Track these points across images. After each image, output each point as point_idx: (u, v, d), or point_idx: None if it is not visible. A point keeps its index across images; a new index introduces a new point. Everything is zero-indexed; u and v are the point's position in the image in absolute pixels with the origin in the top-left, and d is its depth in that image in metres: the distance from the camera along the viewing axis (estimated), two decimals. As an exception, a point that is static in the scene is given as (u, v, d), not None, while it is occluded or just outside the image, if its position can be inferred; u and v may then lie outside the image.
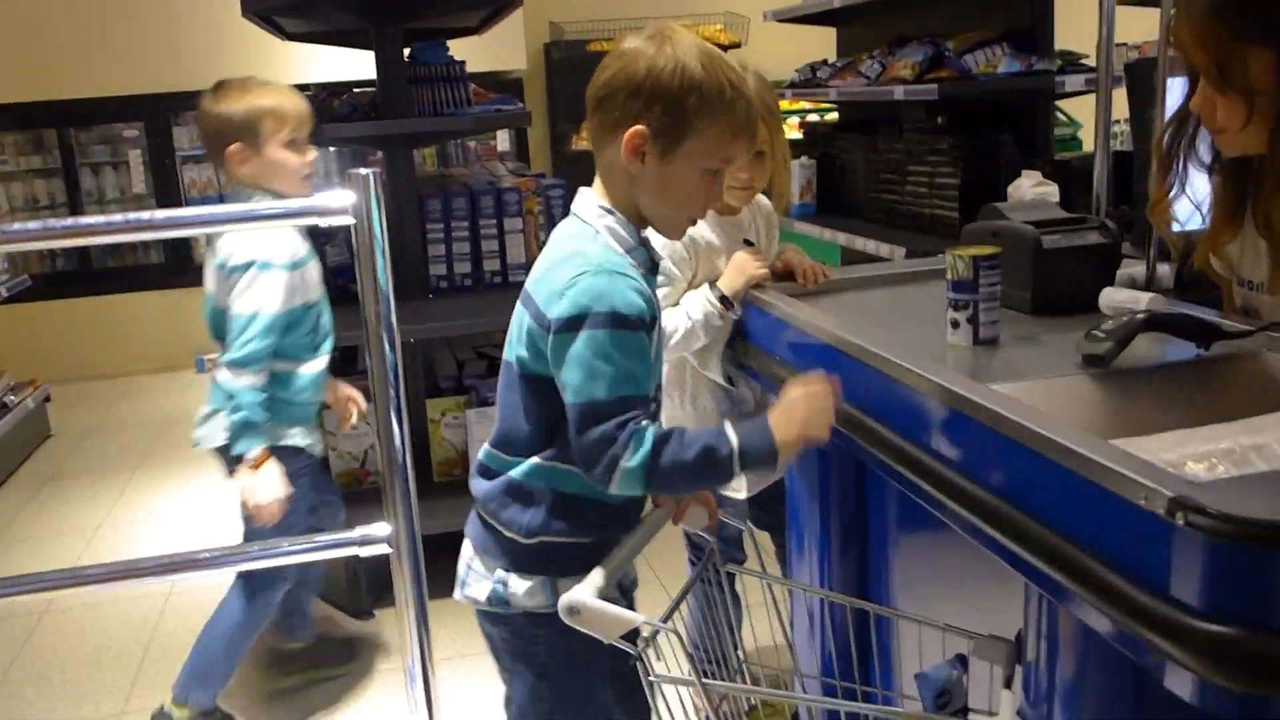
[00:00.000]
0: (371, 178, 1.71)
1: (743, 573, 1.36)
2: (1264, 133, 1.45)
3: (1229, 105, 1.45)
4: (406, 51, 3.50)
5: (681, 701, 1.45)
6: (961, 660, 1.34)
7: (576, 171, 5.98)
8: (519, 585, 1.52)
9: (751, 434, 1.39)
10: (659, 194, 1.46)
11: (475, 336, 3.91)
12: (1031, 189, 2.95)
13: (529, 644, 1.56)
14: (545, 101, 7.14)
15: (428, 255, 3.45)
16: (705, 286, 2.01)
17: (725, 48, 6.50)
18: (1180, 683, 0.95)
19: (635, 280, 1.42)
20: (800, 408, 1.41)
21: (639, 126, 1.41)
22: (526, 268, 3.46)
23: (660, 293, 2.01)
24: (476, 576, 1.56)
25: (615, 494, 1.41)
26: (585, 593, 1.30)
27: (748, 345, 1.97)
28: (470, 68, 3.63)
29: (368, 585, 3.23)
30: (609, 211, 1.48)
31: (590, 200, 1.50)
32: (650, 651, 1.34)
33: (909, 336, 1.64)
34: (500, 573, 1.53)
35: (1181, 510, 0.92)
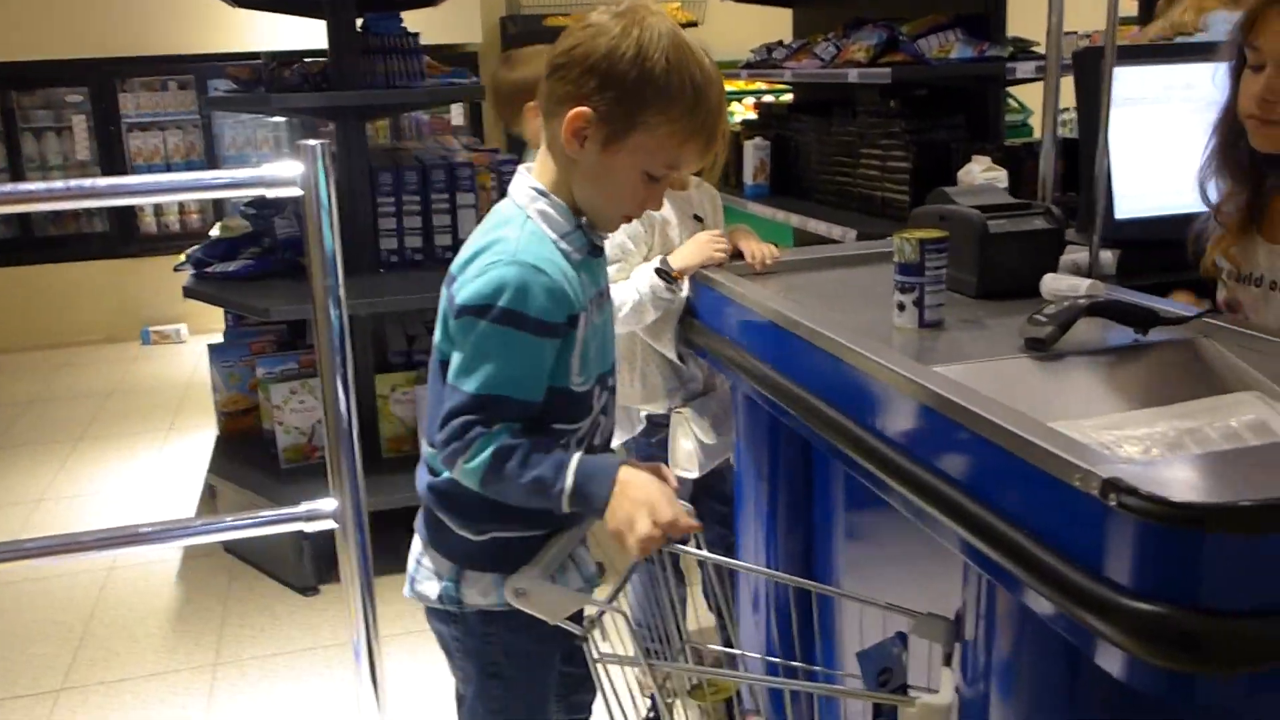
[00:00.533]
0: (320, 149, 1.68)
1: (686, 553, 1.37)
2: None
3: None
4: (359, 22, 3.45)
5: (627, 682, 1.46)
6: (902, 638, 1.36)
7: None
8: (471, 582, 1.48)
9: (591, 481, 1.33)
10: (594, 184, 1.39)
11: (426, 312, 3.87)
12: (981, 174, 2.98)
13: (481, 642, 1.52)
14: (501, 76, 7.08)
15: (378, 229, 3.42)
16: (657, 260, 2.02)
17: (684, 26, 6.48)
18: (1110, 660, 0.98)
19: (551, 278, 1.34)
20: (649, 492, 1.32)
21: (585, 108, 1.32)
22: (479, 243, 3.46)
23: (612, 268, 2.03)
24: (426, 574, 1.52)
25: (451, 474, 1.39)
26: (532, 575, 1.30)
27: (696, 324, 1.98)
28: (424, 40, 3.59)
29: (314, 562, 3.21)
30: (542, 194, 1.40)
31: (524, 181, 1.43)
32: (596, 632, 1.35)
33: (856, 317, 1.65)
34: (451, 570, 1.49)
35: (1114, 492, 0.94)
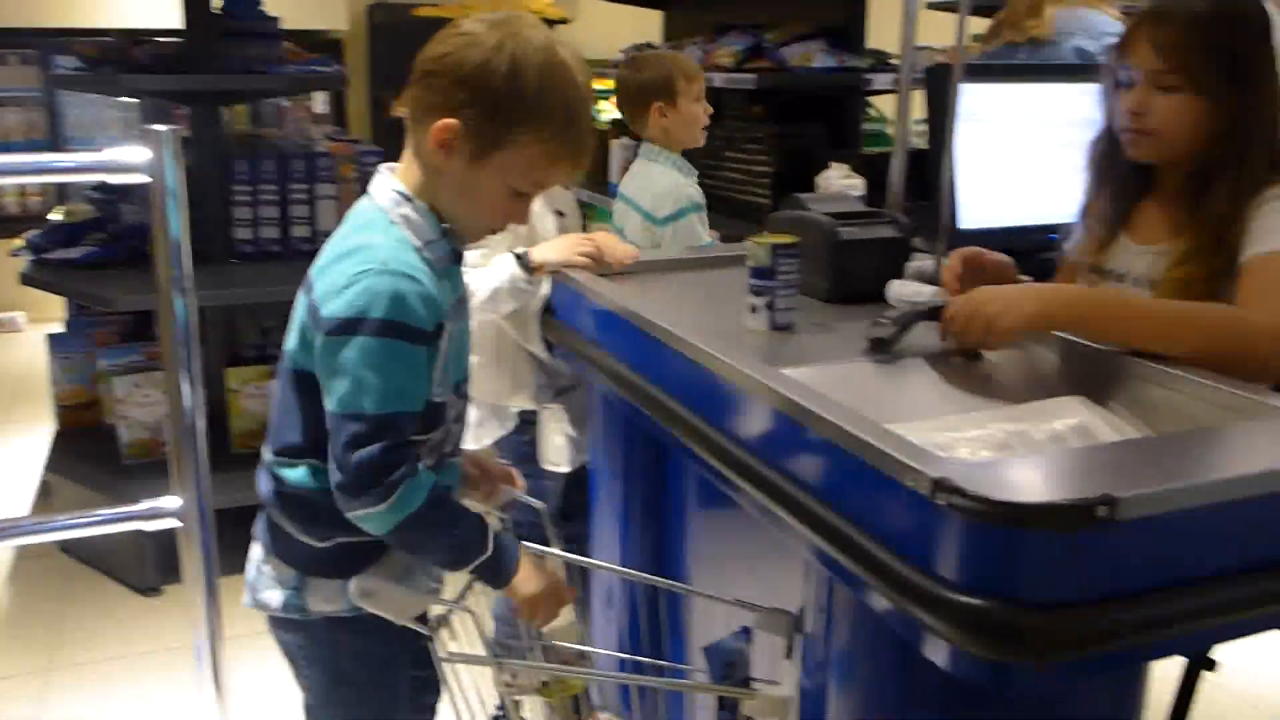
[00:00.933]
0: (169, 135, 1.63)
1: (538, 551, 1.38)
2: (1199, 135, 1.57)
3: (1177, 107, 1.57)
4: (217, 2, 3.34)
5: (475, 681, 1.46)
6: (747, 633, 1.40)
7: (398, 139, 5.84)
8: (316, 589, 1.43)
9: (505, 554, 1.36)
10: (459, 195, 1.36)
11: (281, 305, 3.78)
12: (839, 180, 3.07)
13: (328, 649, 1.47)
14: (367, 65, 6.94)
15: (232, 218, 3.31)
16: (519, 248, 2.03)
17: (554, 23, 6.46)
18: (937, 651, 1.02)
19: (423, 285, 1.30)
20: (544, 587, 1.39)
21: (453, 120, 1.29)
22: (338, 236, 3.39)
23: (476, 254, 2.02)
24: (268, 582, 1.46)
25: (348, 514, 1.31)
26: (379, 575, 1.28)
27: (555, 321, 1.98)
28: (287, 24, 3.50)
29: (157, 561, 3.09)
30: (407, 199, 1.36)
31: (388, 184, 1.38)
32: (444, 632, 1.35)
33: (711, 319, 1.68)
34: (294, 577, 1.43)
35: (943, 491, 0.98)
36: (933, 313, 1.54)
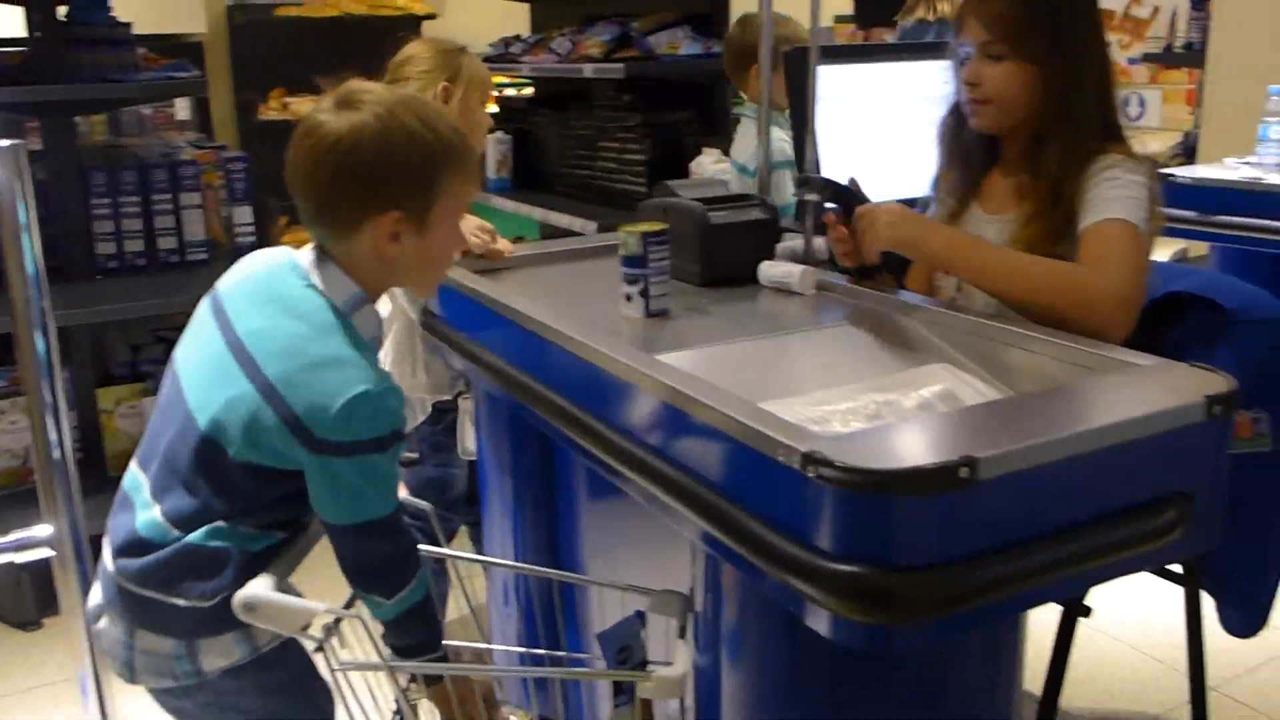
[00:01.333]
0: (15, 150, 1.56)
1: (428, 553, 1.37)
2: (1031, 101, 1.65)
3: (1006, 74, 1.65)
4: (63, 10, 3.20)
5: (370, 688, 1.44)
6: (641, 617, 1.42)
7: (264, 143, 5.70)
8: (208, 649, 1.35)
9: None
10: (422, 265, 1.40)
11: (152, 319, 3.66)
12: (711, 166, 3.11)
13: (235, 698, 1.40)
14: (229, 67, 6.74)
15: (93, 233, 3.19)
16: None
17: (422, 18, 6.38)
18: (819, 620, 1.05)
19: (398, 391, 1.33)
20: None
21: (391, 212, 1.31)
22: (205, 245, 3.28)
23: None
24: (151, 659, 1.35)
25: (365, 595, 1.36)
26: (261, 587, 1.26)
27: (436, 321, 1.97)
28: (141, 29, 3.38)
29: (35, 593, 2.97)
30: (367, 301, 1.37)
31: (348, 286, 1.35)
32: (335, 640, 1.33)
33: (588, 310, 1.69)
34: (179, 645, 1.34)
35: (813, 464, 1.02)
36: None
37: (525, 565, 1.63)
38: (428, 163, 1.33)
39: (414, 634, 1.37)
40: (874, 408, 1.30)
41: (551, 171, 4.09)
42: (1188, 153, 4.99)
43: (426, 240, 1.36)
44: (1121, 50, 6.73)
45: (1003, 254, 1.60)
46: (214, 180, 3.38)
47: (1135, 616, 2.78)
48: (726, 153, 3.12)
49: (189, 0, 6.13)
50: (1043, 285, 1.52)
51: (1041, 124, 1.66)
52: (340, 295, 1.35)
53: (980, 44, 1.67)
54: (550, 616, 1.66)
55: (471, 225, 2.01)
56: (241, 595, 1.25)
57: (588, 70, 3.59)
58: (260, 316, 1.33)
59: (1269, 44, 4.21)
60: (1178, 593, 1.82)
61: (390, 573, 1.34)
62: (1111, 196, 1.56)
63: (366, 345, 1.34)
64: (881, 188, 1.99)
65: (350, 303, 1.35)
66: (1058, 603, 1.81)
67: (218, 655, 1.35)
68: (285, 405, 1.27)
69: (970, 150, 1.79)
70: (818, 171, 2.00)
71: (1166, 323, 1.73)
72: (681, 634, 1.35)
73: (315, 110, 1.33)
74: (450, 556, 1.41)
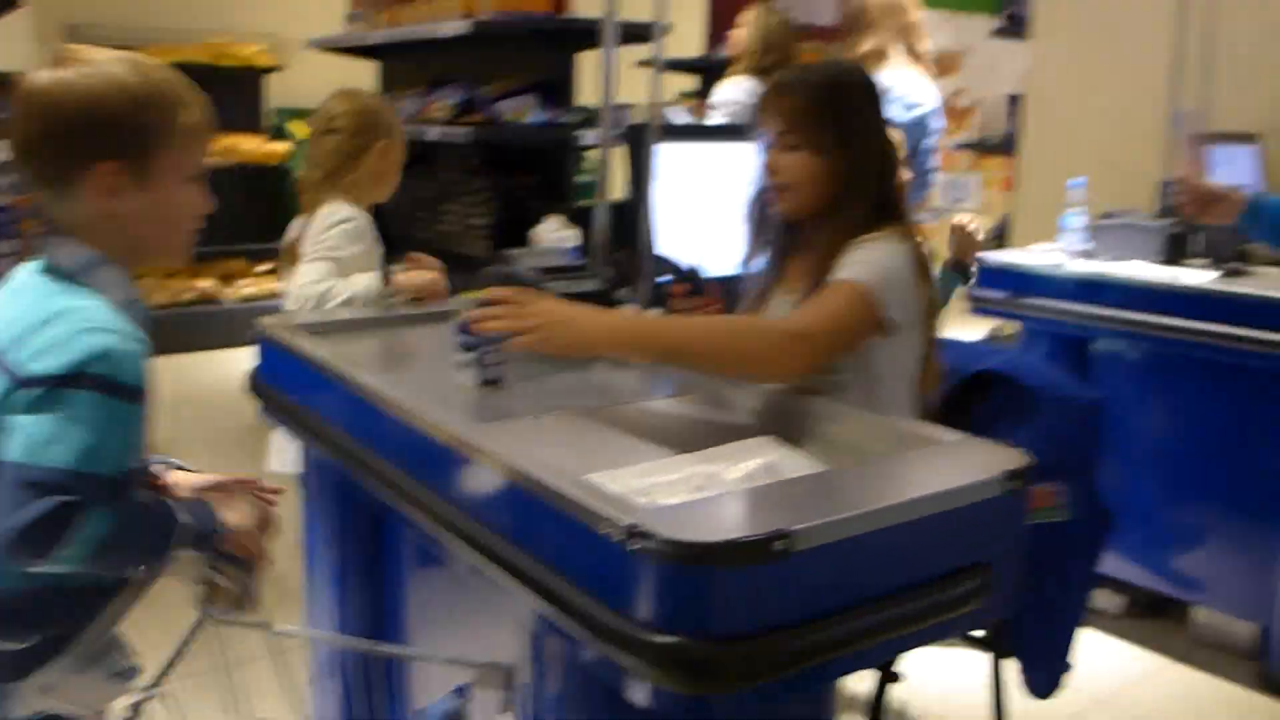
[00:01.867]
0: None
1: (242, 625, 1.32)
2: (820, 188, 1.75)
3: (800, 163, 1.75)
4: None
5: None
6: (464, 690, 1.40)
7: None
8: (24, 691, 1.24)
9: (198, 514, 1.33)
10: (153, 222, 1.34)
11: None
12: (552, 233, 3.14)
13: None
14: (57, 110, 6.45)
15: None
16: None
17: (266, 70, 6.27)
18: (639, 691, 1.06)
19: (139, 346, 1.28)
20: (252, 516, 1.41)
21: (107, 162, 1.28)
22: None
23: (322, 267, 2.22)
24: None
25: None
26: (61, 666, 1.18)
27: (267, 388, 1.90)
28: (-41, 69, 3.22)
29: None
30: (105, 262, 1.31)
31: (78, 251, 1.31)
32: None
33: (424, 377, 1.68)
34: None
35: (634, 537, 1.03)
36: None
37: (347, 637, 1.59)
38: (139, 109, 1.29)
39: (125, 562, 1.28)
40: (699, 479, 1.33)
41: (393, 233, 4.04)
42: (1001, 236, 5.33)
43: (153, 194, 1.32)
44: (946, 136, 7.15)
45: (682, 320, 1.73)
46: (31, 228, 3.23)
47: (945, 682, 2.88)
48: (571, 221, 3.16)
49: (19, 40, 5.88)
50: (721, 340, 1.59)
51: (824, 209, 1.77)
52: (69, 260, 1.30)
53: (777, 134, 1.78)
54: (371, 691, 1.61)
55: (433, 276, 2.17)
56: (37, 676, 1.18)
57: (433, 133, 3.60)
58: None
59: (1076, 138, 4.56)
60: (985, 658, 1.91)
61: (65, 524, 1.17)
62: (847, 263, 1.67)
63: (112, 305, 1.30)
64: (711, 262, 2.06)
65: (80, 265, 1.30)
66: (872, 669, 1.87)
67: (36, 692, 1.25)
68: (3, 363, 1.24)
69: (775, 234, 1.88)
70: (650, 244, 2.06)
71: (974, 399, 1.83)
72: (503, 709, 1.34)
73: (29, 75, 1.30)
74: (277, 635, 1.36)
